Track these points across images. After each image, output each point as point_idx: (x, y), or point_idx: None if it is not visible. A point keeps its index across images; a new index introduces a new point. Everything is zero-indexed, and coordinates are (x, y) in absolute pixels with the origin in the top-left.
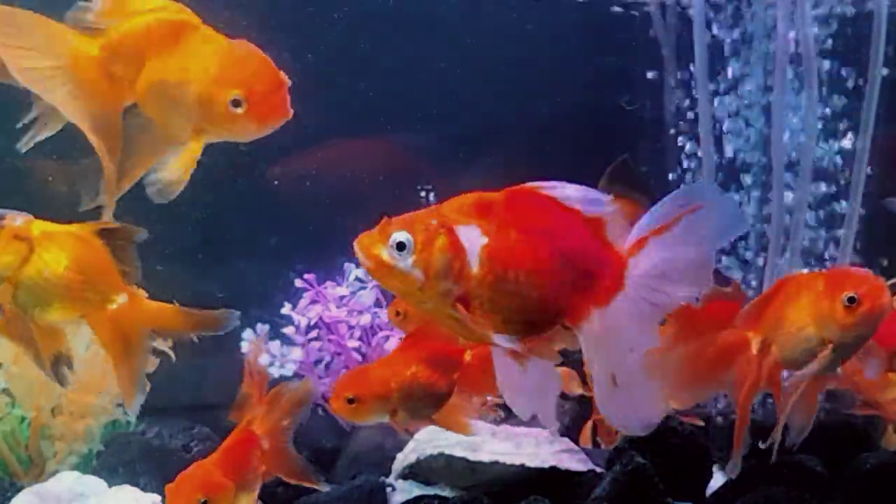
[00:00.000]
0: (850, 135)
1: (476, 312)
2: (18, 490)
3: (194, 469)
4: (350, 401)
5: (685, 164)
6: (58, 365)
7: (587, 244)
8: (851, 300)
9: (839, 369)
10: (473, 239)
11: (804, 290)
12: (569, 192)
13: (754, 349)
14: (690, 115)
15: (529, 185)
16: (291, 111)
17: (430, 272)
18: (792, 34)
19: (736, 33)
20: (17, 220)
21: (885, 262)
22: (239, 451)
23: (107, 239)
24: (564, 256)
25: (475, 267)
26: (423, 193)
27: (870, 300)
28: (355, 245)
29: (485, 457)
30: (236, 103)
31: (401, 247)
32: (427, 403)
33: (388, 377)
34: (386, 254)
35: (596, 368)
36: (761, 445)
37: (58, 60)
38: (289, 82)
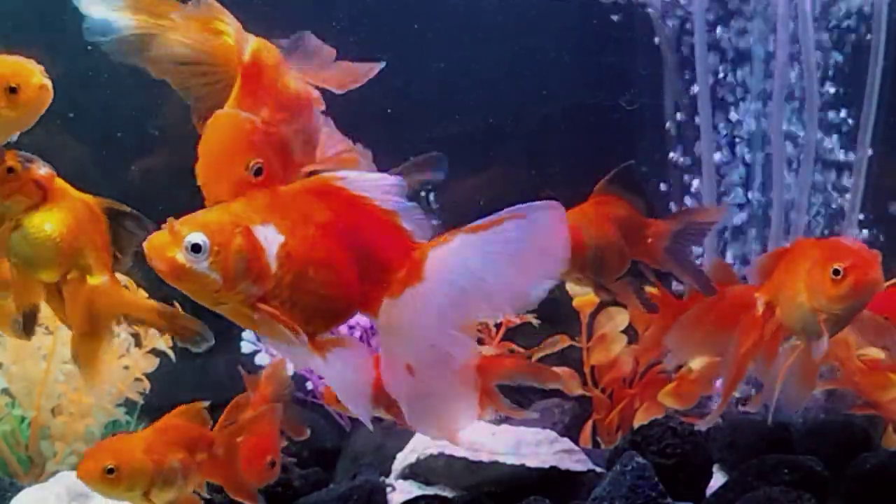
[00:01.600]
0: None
1: (276, 311)
2: (18, 490)
3: (114, 437)
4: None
5: (685, 165)
6: (28, 320)
7: (381, 236)
8: (836, 272)
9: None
10: (270, 238)
11: (804, 257)
12: (362, 184)
13: (759, 309)
14: (690, 114)
15: (323, 176)
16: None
17: (228, 274)
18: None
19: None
20: (42, 169)
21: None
22: (171, 436)
23: (114, 219)
24: (358, 249)
25: (274, 267)
26: (422, 193)
27: (855, 273)
28: (145, 247)
29: (485, 457)
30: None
31: (196, 249)
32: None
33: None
34: (181, 256)
35: (385, 358)
36: (741, 407)
37: None
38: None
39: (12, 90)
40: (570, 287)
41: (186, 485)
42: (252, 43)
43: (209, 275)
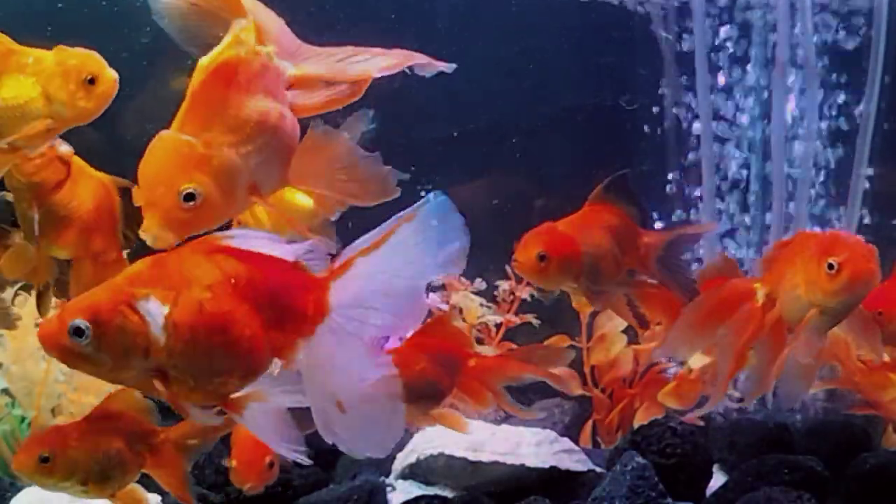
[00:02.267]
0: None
1: (176, 382)
2: (18, 490)
3: (51, 427)
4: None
5: (686, 163)
6: (44, 295)
7: (280, 282)
8: (831, 266)
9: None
10: (154, 310)
11: (802, 249)
12: (251, 244)
13: (759, 300)
14: (691, 113)
15: (211, 236)
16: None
17: (115, 354)
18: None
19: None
20: (63, 147)
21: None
22: (108, 425)
23: (126, 199)
24: (258, 301)
25: (162, 339)
26: (423, 193)
27: (850, 268)
28: (38, 336)
29: (485, 457)
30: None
31: (79, 333)
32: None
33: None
34: (68, 342)
35: (311, 399)
36: (733, 394)
37: None
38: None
39: (91, 81)
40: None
41: (125, 475)
42: (209, 58)
43: (97, 356)
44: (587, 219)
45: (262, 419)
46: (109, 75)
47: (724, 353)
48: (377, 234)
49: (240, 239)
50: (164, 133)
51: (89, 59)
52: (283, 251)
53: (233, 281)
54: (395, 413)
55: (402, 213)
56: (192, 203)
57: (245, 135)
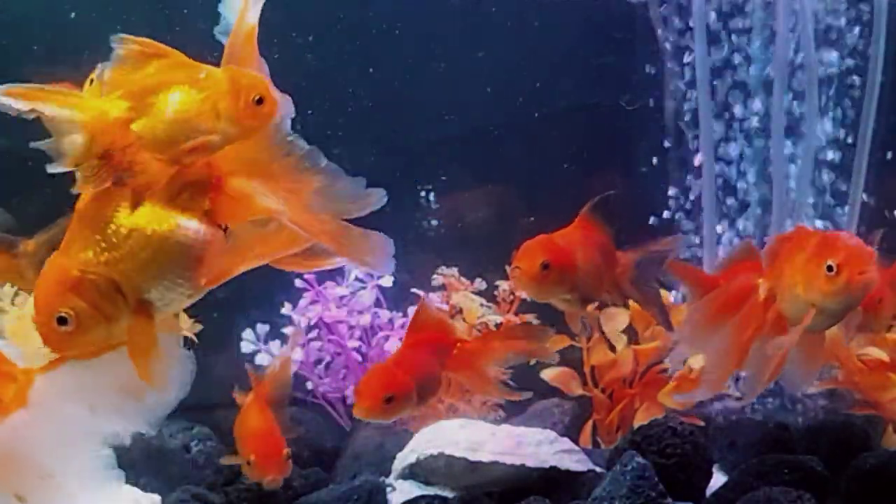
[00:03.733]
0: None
1: None
2: None
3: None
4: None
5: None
6: None
7: None
8: (830, 268)
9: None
10: None
11: (802, 247)
12: None
13: (761, 296)
14: (691, 112)
15: None
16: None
17: None
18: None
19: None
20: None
21: None
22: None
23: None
24: None
25: None
26: (423, 193)
27: (849, 270)
28: None
29: (485, 457)
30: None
31: None
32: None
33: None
34: None
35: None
36: (733, 394)
37: None
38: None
39: (258, 101)
40: None
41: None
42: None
43: None
44: (579, 234)
45: None
46: (274, 97)
47: (726, 347)
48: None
49: None
50: (50, 257)
51: (259, 81)
52: None
53: None
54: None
55: None
56: (65, 327)
57: (126, 252)
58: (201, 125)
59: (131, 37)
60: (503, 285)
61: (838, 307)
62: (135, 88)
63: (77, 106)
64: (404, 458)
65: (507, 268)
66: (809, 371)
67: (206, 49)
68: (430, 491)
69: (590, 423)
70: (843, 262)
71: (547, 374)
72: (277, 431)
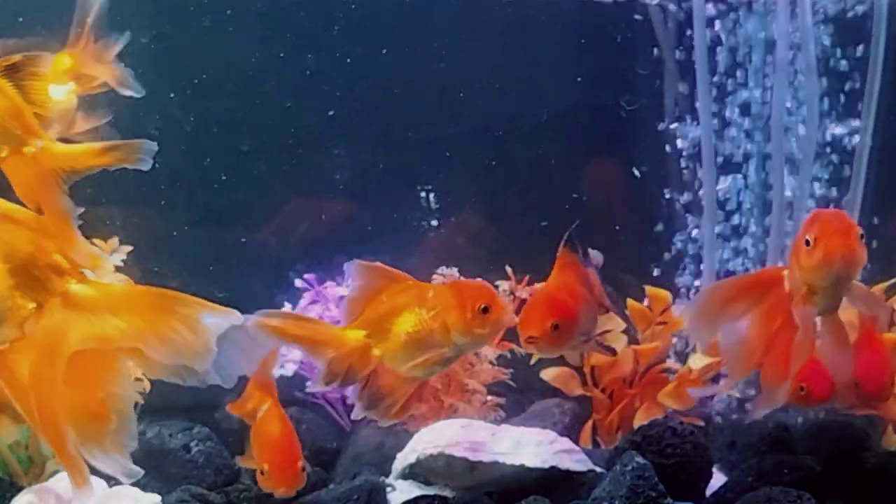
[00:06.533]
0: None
1: None
2: (18, 490)
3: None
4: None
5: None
6: None
7: None
8: (807, 243)
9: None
10: None
11: (801, 231)
12: None
13: (787, 286)
14: (691, 112)
15: None
16: None
17: None
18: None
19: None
20: None
21: None
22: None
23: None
24: None
25: None
26: (423, 193)
27: (825, 242)
28: None
29: (485, 457)
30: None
31: None
32: None
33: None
34: None
35: None
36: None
37: None
38: None
39: (484, 310)
40: None
41: None
42: None
43: None
44: (568, 278)
45: None
46: (501, 303)
47: (748, 338)
48: None
49: None
50: None
51: (483, 290)
52: None
53: None
54: None
55: None
56: None
57: None
58: (434, 341)
59: (369, 263)
60: (503, 285)
61: (823, 281)
62: (372, 315)
63: (324, 341)
64: (404, 458)
65: (507, 268)
66: (843, 356)
67: None
68: (430, 491)
69: (590, 423)
70: (819, 235)
71: (547, 374)
72: (295, 442)
